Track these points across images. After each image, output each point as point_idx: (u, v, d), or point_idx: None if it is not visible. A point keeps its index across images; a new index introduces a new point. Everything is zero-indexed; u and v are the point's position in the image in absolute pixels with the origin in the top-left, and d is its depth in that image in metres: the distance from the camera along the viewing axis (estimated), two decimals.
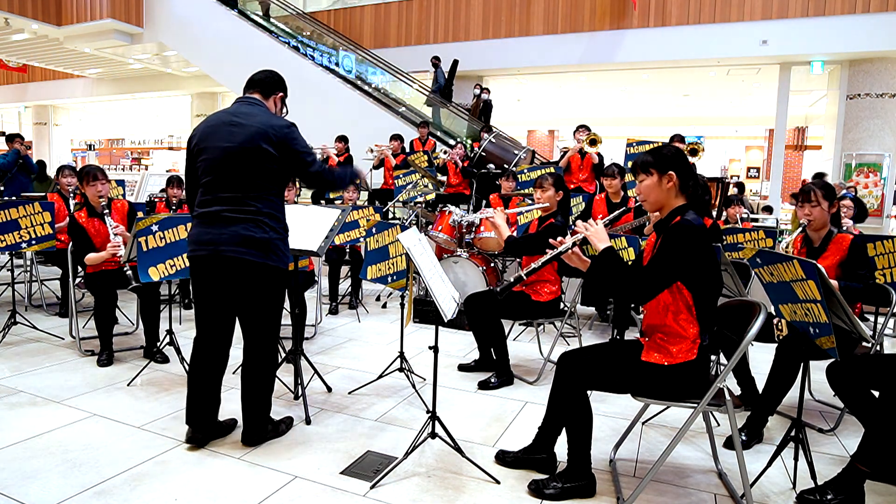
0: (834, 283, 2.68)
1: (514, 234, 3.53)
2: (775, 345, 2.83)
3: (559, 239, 2.28)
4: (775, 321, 2.88)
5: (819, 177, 7.80)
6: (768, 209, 10.56)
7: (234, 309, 2.52)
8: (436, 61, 11.14)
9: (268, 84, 2.57)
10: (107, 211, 3.69)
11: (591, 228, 2.17)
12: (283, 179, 2.49)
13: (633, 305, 4.20)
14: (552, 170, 6.19)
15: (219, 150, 2.39)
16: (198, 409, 2.53)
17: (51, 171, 13.07)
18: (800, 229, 3.00)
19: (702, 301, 2.08)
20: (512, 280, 2.44)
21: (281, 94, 2.61)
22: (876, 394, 2.24)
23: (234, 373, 3.50)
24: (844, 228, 4.59)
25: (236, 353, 3.94)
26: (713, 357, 2.93)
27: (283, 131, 2.41)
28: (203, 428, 2.54)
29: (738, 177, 18.88)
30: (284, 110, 2.68)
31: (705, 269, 2.06)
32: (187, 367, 3.09)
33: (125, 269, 3.59)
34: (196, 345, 2.54)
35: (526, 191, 5.96)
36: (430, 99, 11.32)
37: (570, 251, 2.22)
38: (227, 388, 3.25)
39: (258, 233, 2.39)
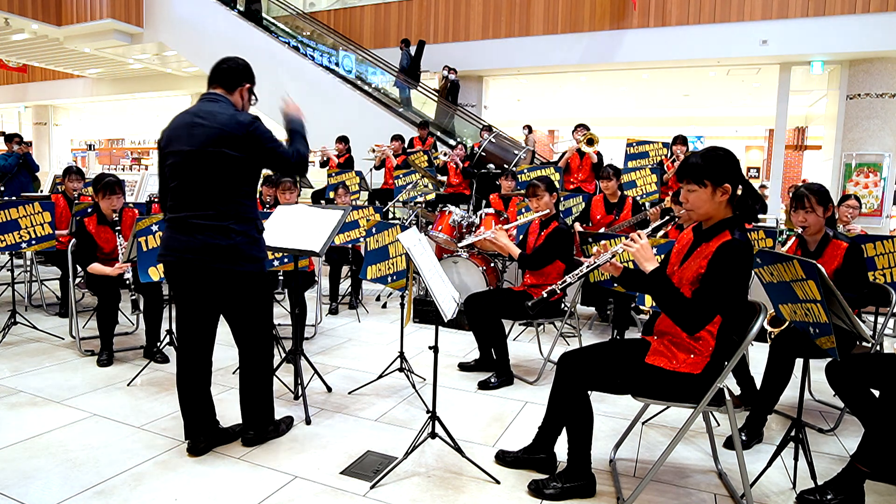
0: None
1: (513, 233, 3.54)
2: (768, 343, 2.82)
3: (595, 250, 2.23)
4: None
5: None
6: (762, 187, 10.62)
7: (212, 312, 2.47)
8: (403, 46, 11.33)
9: (230, 76, 2.40)
10: (118, 228, 3.75)
11: (636, 245, 2.04)
12: (251, 178, 2.40)
13: (632, 305, 4.20)
14: (552, 170, 6.22)
15: (181, 155, 2.31)
16: (192, 418, 2.49)
17: (46, 170, 13.09)
18: (795, 236, 2.96)
19: (727, 321, 2.02)
20: (545, 295, 2.32)
21: (248, 84, 2.45)
22: (876, 393, 2.24)
23: (234, 373, 3.51)
24: (847, 229, 4.57)
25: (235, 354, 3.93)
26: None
27: (247, 129, 2.28)
28: (202, 436, 2.50)
29: None
30: (253, 100, 2.52)
31: (742, 291, 1.98)
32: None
33: (125, 275, 3.61)
34: (178, 350, 2.51)
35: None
36: (398, 78, 11.51)
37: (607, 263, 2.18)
38: (228, 389, 3.26)
39: (223, 240, 2.31)
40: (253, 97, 2.52)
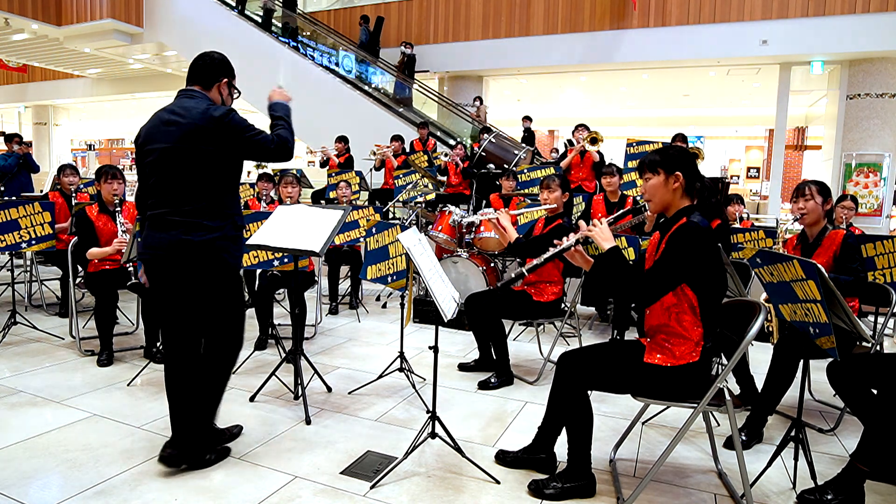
0: None
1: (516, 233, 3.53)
2: (772, 345, 2.83)
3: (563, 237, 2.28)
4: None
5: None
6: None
7: (189, 312, 2.37)
8: (362, 22, 11.63)
9: (206, 73, 2.36)
10: (118, 209, 3.73)
11: (596, 228, 2.16)
12: (231, 171, 2.35)
13: (633, 305, 4.20)
14: (552, 170, 6.21)
15: (157, 152, 2.28)
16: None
17: (46, 170, 13.10)
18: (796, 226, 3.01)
19: (706, 303, 2.06)
20: (513, 276, 2.39)
21: (225, 79, 2.40)
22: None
23: (233, 372, 3.50)
24: (845, 227, 4.58)
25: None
26: (714, 359, 2.93)
27: (221, 122, 2.24)
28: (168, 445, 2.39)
29: (738, 177, 18.89)
30: (235, 94, 2.48)
31: (710, 271, 2.04)
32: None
33: (127, 266, 3.58)
34: (164, 350, 2.43)
35: (526, 191, 5.97)
36: (357, 53, 11.82)
37: (573, 249, 2.22)
38: (229, 389, 3.25)
39: (196, 236, 2.26)
40: (235, 91, 2.48)
